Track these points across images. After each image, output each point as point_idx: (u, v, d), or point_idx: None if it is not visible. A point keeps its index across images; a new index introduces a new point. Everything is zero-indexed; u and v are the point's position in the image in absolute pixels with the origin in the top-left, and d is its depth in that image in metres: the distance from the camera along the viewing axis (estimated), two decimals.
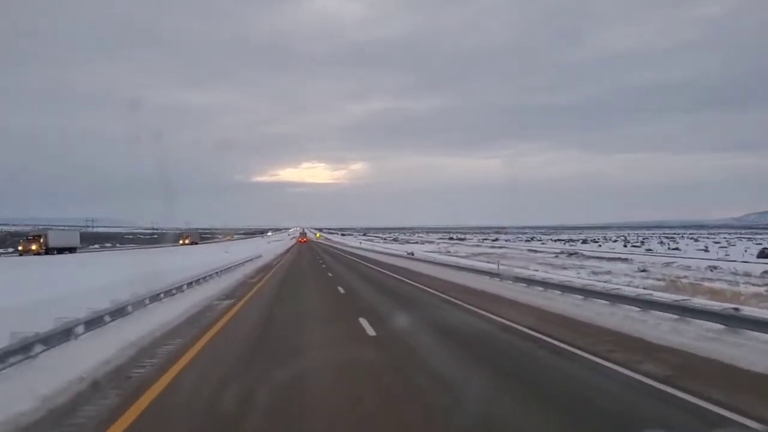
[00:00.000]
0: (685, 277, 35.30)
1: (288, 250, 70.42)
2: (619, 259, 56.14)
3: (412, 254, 49.09)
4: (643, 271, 40.80)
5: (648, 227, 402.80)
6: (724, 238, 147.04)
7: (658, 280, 33.47)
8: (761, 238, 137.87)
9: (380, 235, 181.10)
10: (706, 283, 30.07)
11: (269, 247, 73.57)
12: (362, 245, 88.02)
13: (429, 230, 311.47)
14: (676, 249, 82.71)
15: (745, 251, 73.70)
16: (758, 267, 42.40)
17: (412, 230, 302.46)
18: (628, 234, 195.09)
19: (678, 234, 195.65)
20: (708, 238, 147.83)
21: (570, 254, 65.44)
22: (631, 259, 53.78)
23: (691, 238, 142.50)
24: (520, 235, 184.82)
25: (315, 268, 37.77)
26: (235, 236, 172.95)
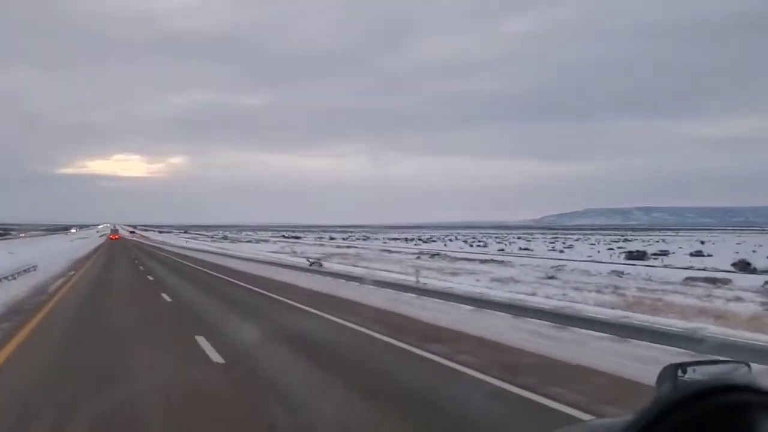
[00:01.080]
0: (615, 287, 28.98)
1: (92, 254, 51.29)
2: (493, 261, 50.08)
3: (320, 265, 31.60)
4: (551, 278, 34.29)
5: (455, 227, 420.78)
6: (544, 237, 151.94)
7: (598, 292, 26.72)
8: (579, 238, 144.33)
9: (204, 233, 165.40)
10: (670, 298, 23.72)
11: (69, 248, 58.78)
12: (189, 244, 75.06)
13: (254, 228, 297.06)
14: (527, 249, 79.90)
15: (598, 251, 72.19)
16: (667, 272, 37.81)
17: (236, 228, 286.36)
18: (450, 234, 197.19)
19: (494, 234, 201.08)
20: (531, 237, 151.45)
21: (432, 255, 58.70)
22: (509, 262, 47.84)
23: (519, 238, 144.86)
24: (349, 234, 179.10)
25: (148, 295, 19.07)
26: (30, 233, 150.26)
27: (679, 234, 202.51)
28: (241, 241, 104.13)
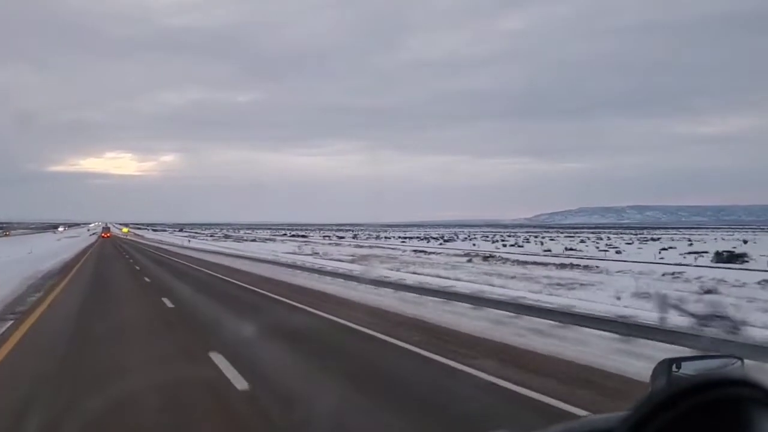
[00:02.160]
0: None
1: (75, 261, 38.03)
2: (572, 266, 41.15)
3: None
4: (709, 292, 25.41)
5: (451, 225, 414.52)
6: (559, 235, 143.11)
7: None
8: (600, 237, 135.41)
9: (201, 232, 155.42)
10: None
11: (50, 250, 49.43)
12: (193, 244, 65.55)
13: (249, 226, 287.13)
14: (572, 249, 71.13)
15: (659, 252, 63.46)
16: None
17: (230, 226, 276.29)
18: (453, 232, 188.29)
19: (501, 232, 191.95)
20: (552, 237, 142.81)
21: (486, 258, 49.68)
22: (596, 267, 38.88)
23: (536, 237, 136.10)
24: (354, 232, 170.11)
25: None
26: (13, 232, 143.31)
27: (680, 231, 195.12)
28: (245, 240, 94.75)
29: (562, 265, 41.57)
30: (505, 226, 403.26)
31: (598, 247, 76.04)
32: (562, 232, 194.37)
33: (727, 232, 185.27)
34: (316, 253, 59.34)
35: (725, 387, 1.10)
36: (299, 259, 41.67)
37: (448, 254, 55.72)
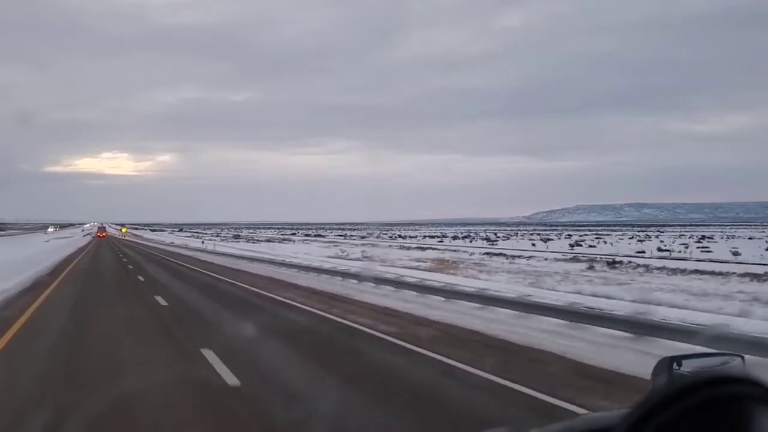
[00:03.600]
0: None
1: (38, 287, 20.43)
2: (757, 275, 28.87)
3: None
4: None
5: (452, 224, 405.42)
6: (570, 233, 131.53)
7: None
8: (626, 235, 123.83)
9: (201, 232, 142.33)
10: None
11: (20, 258, 36.94)
12: (207, 246, 52.59)
13: (250, 226, 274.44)
14: (665, 250, 58.95)
15: None
16: None
17: (229, 226, 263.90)
18: (459, 230, 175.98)
19: (509, 231, 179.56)
20: (555, 233, 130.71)
21: (611, 264, 37.26)
22: None
23: (567, 236, 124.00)
24: (367, 232, 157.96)
25: None
26: (1, 233, 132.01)
27: (677, 228, 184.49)
28: (259, 241, 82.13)
29: (754, 275, 29.21)
30: (506, 224, 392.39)
31: (687, 246, 64.00)
32: (577, 230, 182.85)
33: (740, 228, 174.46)
34: (367, 258, 46.86)
35: (726, 384, 1.10)
36: (374, 269, 28.95)
37: (546, 259, 43.28)
